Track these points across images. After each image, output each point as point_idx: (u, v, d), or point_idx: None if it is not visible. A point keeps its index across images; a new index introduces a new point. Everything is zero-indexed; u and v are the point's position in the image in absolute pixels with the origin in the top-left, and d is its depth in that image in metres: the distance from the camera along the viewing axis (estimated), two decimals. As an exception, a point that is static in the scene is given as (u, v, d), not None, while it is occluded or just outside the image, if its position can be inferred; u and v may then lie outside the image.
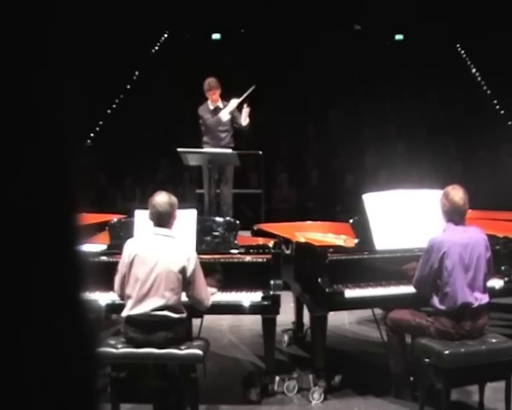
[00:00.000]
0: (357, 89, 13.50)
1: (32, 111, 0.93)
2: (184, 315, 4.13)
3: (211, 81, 7.50)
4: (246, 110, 7.44)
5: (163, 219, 4.16)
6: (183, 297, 4.18)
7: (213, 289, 4.51)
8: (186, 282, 4.08)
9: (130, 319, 4.09)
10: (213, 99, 7.49)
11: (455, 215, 4.32)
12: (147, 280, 4.03)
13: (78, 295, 0.99)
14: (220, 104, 7.52)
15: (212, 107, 7.52)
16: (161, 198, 4.21)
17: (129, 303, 4.08)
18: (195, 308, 4.29)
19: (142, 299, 4.04)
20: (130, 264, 4.08)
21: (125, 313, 4.11)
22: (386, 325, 4.73)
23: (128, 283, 4.09)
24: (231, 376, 5.13)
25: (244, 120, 7.48)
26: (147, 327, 4.05)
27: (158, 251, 4.09)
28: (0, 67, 0.90)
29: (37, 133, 0.94)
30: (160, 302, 4.02)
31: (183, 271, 4.05)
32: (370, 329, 6.06)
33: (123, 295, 4.17)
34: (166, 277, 4.03)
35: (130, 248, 4.14)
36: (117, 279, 4.17)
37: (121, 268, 4.14)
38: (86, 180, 1.02)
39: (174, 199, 4.27)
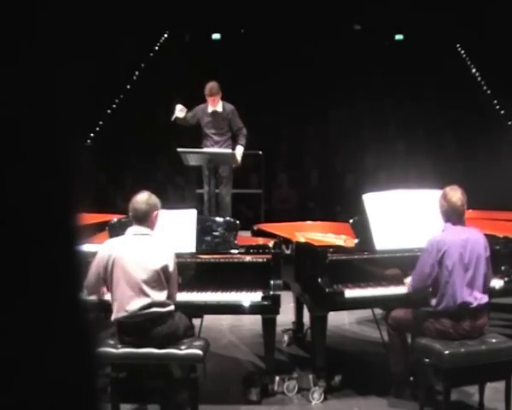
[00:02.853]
0: (357, 89, 13.50)
1: (32, 111, 0.93)
2: (172, 307, 4.11)
3: (212, 87, 7.43)
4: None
5: (141, 218, 4.15)
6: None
7: None
8: (167, 278, 4.08)
9: (121, 324, 4.07)
10: (211, 102, 7.48)
11: (453, 216, 4.32)
12: (130, 281, 4.01)
13: (78, 294, 0.99)
14: (219, 108, 7.50)
15: (209, 110, 7.51)
16: (140, 197, 4.21)
17: (115, 306, 4.06)
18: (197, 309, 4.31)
19: (127, 300, 4.02)
20: (112, 266, 4.04)
21: (113, 317, 4.08)
22: (387, 323, 4.73)
23: (111, 286, 4.07)
24: (231, 376, 5.13)
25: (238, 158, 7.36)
26: (140, 328, 4.04)
27: (138, 251, 4.07)
28: (0, 66, 0.90)
29: (38, 133, 0.94)
30: (146, 301, 4.01)
31: (164, 268, 4.05)
32: (370, 329, 6.06)
33: (93, 293, 4.14)
34: (149, 275, 4.02)
35: (109, 250, 4.11)
36: (89, 277, 4.05)
37: (97, 267, 4.07)
38: (86, 180, 1.02)
39: (154, 199, 4.24)
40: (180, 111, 7.42)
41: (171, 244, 4.24)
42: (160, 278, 4.05)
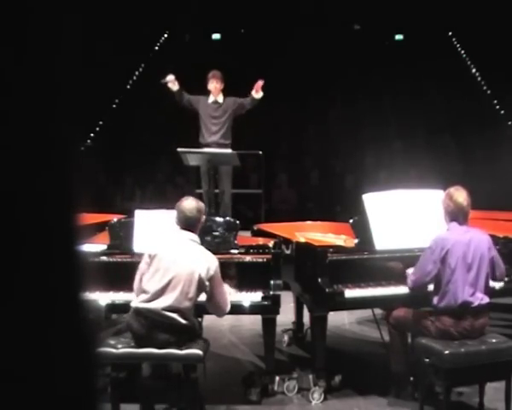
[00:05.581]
0: (357, 89, 13.50)
1: (32, 110, 0.93)
2: (190, 324, 4.12)
3: (215, 72, 7.54)
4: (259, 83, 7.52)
5: (190, 224, 4.17)
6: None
7: (231, 290, 4.52)
8: (203, 289, 4.08)
9: (139, 312, 4.06)
10: (213, 89, 7.49)
11: (458, 216, 4.33)
12: (162, 280, 4.03)
13: (78, 295, 0.99)
14: (220, 99, 7.53)
15: (210, 100, 7.53)
16: (189, 204, 4.22)
17: (142, 297, 4.07)
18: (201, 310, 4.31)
19: (155, 296, 4.03)
20: (151, 262, 4.09)
21: (134, 304, 4.09)
22: (388, 323, 4.73)
23: (145, 277, 4.10)
24: (231, 376, 5.13)
25: (257, 94, 7.51)
26: (152, 325, 4.04)
27: (179, 253, 4.09)
28: (1, 68, 0.90)
29: (37, 133, 0.94)
30: (172, 303, 4.01)
31: (200, 277, 4.04)
32: (370, 329, 6.06)
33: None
34: (183, 280, 4.02)
35: (151, 248, 4.17)
36: (136, 280, 4.16)
37: (142, 268, 4.15)
38: (86, 180, 1.02)
39: (202, 205, 4.31)
40: (171, 82, 7.40)
41: (213, 256, 4.19)
42: (194, 287, 4.03)
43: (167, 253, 4.09)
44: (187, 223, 4.17)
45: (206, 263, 4.07)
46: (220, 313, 4.27)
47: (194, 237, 4.19)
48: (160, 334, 4.03)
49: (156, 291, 4.03)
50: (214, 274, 4.08)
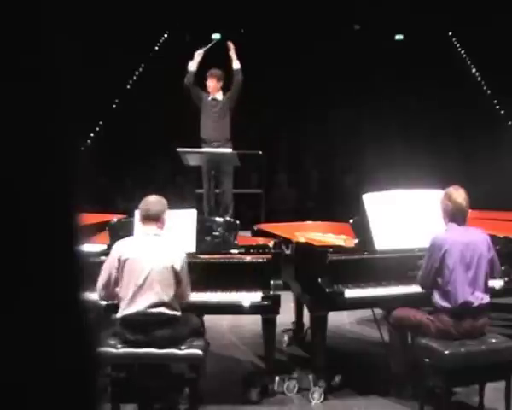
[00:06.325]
0: (357, 89, 13.50)
1: (33, 111, 0.93)
2: (179, 313, 4.14)
3: (213, 70, 7.58)
4: (231, 52, 7.65)
5: (154, 218, 4.21)
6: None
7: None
8: (179, 279, 4.12)
9: (126, 321, 4.08)
10: (211, 87, 7.53)
11: (457, 216, 4.33)
12: (139, 279, 4.05)
13: (78, 295, 0.99)
14: (219, 96, 7.55)
15: (209, 98, 7.56)
16: (153, 198, 4.31)
17: (123, 304, 4.09)
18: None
19: (136, 298, 4.05)
20: (123, 266, 4.08)
21: (119, 315, 4.10)
22: (388, 323, 4.73)
23: (121, 285, 4.10)
24: (231, 376, 5.13)
25: (235, 62, 7.61)
26: (144, 327, 4.05)
27: (149, 250, 4.12)
28: (1, 68, 0.90)
29: (38, 133, 0.94)
30: (154, 299, 4.04)
31: (174, 268, 4.09)
32: (370, 329, 6.05)
33: (106, 297, 4.18)
34: (159, 274, 4.06)
35: (120, 251, 4.15)
36: (101, 280, 4.13)
37: (109, 269, 4.12)
38: (86, 180, 1.02)
39: (164, 201, 4.33)
40: (198, 55, 7.73)
41: (180, 245, 4.28)
42: (169, 278, 4.08)
43: (137, 253, 4.11)
44: (150, 215, 4.21)
45: (177, 254, 4.14)
46: (184, 300, 4.25)
47: (159, 231, 4.23)
48: (155, 332, 4.04)
49: (134, 293, 4.04)
50: (184, 264, 4.15)
